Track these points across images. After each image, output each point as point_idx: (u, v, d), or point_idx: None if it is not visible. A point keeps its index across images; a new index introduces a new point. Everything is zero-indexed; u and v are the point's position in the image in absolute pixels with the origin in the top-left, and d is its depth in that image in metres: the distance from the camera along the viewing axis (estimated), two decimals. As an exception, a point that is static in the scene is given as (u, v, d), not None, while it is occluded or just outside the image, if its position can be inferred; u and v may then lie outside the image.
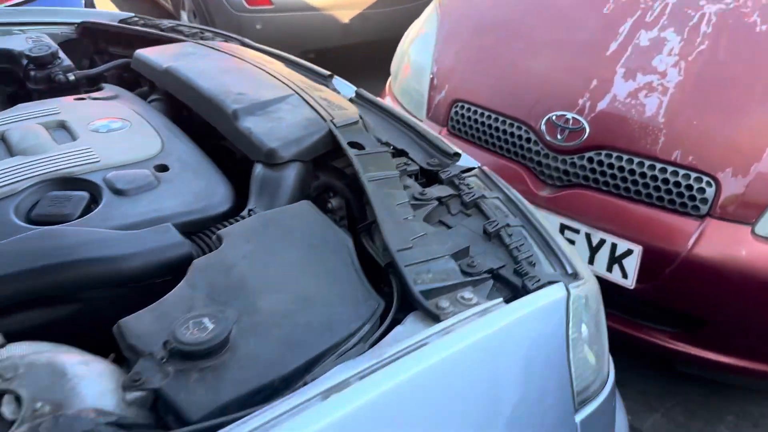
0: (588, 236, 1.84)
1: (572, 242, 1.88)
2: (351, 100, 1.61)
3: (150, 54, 1.65)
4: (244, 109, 1.33)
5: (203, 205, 1.14)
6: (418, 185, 1.23)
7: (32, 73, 1.70)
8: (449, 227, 1.13)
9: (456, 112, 2.17)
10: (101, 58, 2.04)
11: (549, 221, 1.91)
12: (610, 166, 1.80)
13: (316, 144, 1.26)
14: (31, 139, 1.26)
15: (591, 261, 1.85)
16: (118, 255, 0.98)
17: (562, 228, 1.89)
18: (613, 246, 1.79)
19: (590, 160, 1.84)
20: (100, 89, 1.64)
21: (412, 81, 2.42)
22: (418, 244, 1.00)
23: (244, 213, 1.12)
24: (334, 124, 1.29)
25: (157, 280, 1.01)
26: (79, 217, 1.08)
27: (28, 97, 1.75)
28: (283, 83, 1.47)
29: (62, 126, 1.36)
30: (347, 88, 1.75)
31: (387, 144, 1.39)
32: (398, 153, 1.37)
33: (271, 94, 1.41)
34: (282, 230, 1.02)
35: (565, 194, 1.88)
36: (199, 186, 1.18)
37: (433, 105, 2.27)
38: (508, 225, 1.09)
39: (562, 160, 1.89)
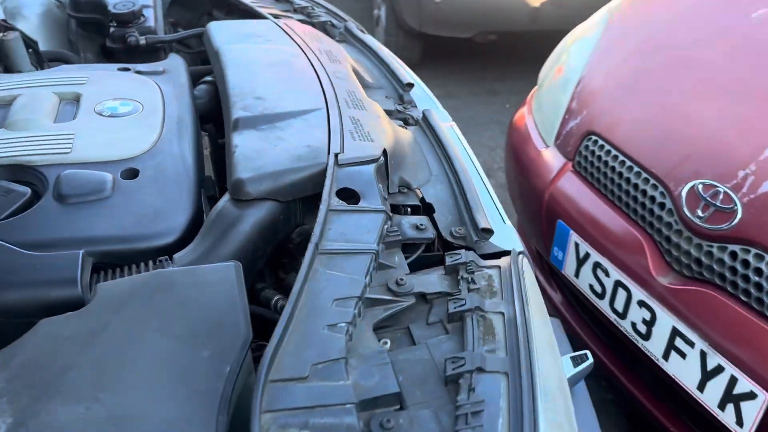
0: (703, 355, 1.36)
1: (682, 355, 1.42)
2: (417, 121, 1.32)
3: (217, 29, 1.48)
4: (249, 119, 1.10)
5: (137, 233, 0.94)
6: (406, 267, 0.92)
7: (111, 29, 1.62)
8: (414, 342, 0.82)
9: (587, 147, 1.75)
10: (209, 19, 1.92)
11: (660, 318, 1.47)
12: (758, 271, 1.30)
13: (303, 182, 1.00)
14: (28, 112, 1.16)
15: (701, 388, 1.38)
16: (-11, 288, 0.83)
17: (674, 333, 1.42)
18: (733, 380, 1.30)
19: (733, 255, 1.34)
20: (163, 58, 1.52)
21: (558, 90, 2.01)
22: (320, 374, 0.71)
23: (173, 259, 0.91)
24: (337, 160, 1.01)
25: (35, 319, 0.84)
26: (6, 217, 0.95)
27: (112, 52, 1.69)
28: (323, 91, 1.21)
29: (76, 100, 1.24)
30: (428, 103, 1.45)
31: (417, 192, 1.09)
32: (426, 209, 1.06)
33: (294, 104, 1.16)
34: (173, 302, 0.79)
35: (691, 290, 1.41)
36: (152, 206, 0.99)
37: (565, 131, 1.86)
38: (480, 369, 0.75)
39: (697, 245, 1.41)
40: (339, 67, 1.34)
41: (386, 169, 1.07)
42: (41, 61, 1.60)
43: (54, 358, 0.71)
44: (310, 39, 1.46)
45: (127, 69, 1.37)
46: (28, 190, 0.99)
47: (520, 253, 0.99)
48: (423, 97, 1.47)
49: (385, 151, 1.07)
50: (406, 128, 1.29)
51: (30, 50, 1.57)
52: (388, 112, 1.34)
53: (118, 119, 1.17)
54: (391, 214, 0.97)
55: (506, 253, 0.98)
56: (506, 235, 1.05)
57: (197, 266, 0.85)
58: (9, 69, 1.51)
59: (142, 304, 0.78)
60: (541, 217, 1.84)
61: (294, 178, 0.99)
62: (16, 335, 0.79)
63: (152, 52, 1.64)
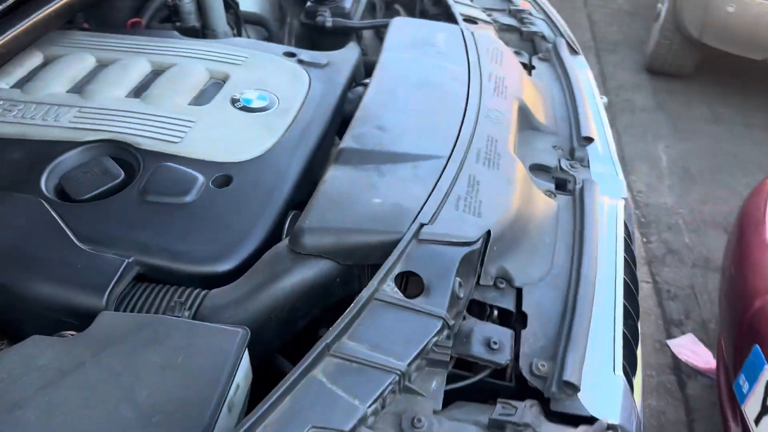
0: None
1: None
2: (574, 190, 1.06)
3: (396, 26, 1.34)
4: (354, 153, 0.96)
5: (192, 253, 0.88)
6: (439, 399, 0.73)
7: (308, 3, 1.57)
8: None
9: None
10: (421, 4, 1.79)
11: None
12: None
13: (370, 248, 0.84)
14: (169, 87, 1.15)
15: None
16: (26, 275, 0.83)
17: None
18: None
19: None
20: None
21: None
22: None
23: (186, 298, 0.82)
24: (419, 233, 0.83)
25: (63, 318, 0.83)
26: (88, 199, 0.95)
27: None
28: (458, 134, 1.01)
29: (223, 81, 1.21)
30: (606, 165, 1.17)
31: (519, 292, 0.87)
32: (518, 317, 0.85)
33: (415, 144, 0.99)
34: (156, 361, 0.70)
35: None
36: (225, 224, 0.92)
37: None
38: None
39: None
40: (500, 102, 1.12)
41: (482, 256, 0.86)
42: (239, 22, 1.61)
43: (15, 387, 0.68)
44: (488, 58, 1.25)
45: (293, 55, 1.31)
46: (121, 174, 0.98)
47: (609, 428, 0.74)
48: (604, 156, 1.18)
49: (488, 234, 0.86)
50: (554, 196, 1.05)
51: (230, 11, 1.60)
52: (544, 168, 1.10)
53: (246, 114, 1.12)
54: (452, 321, 0.77)
55: (589, 420, 0.74)
56: (606, 392, 0.79)
57: (203, 324, 0.75)
58: (206, 26, 1.55)
59: (127, 352, 0.71)
60: (740, 327, 1.44)
61: (360, 241, 0.84)
62: (39, 327, 0.79)
63: (341, 35, 1.56)
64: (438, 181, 0.92)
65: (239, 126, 1.09)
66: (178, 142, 1.04)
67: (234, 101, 1.14)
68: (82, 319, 0.80)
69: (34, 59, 1.25)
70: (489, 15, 1.54)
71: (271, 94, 1.17)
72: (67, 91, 1.15)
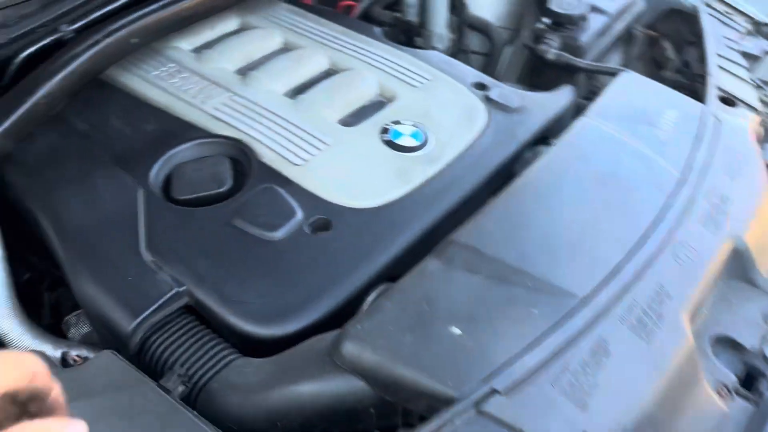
0: None
1: None
2: (761, 392, 0.74)
3: (619, 84, 1.06)
4: (462, 251, 0.75)
5: (237, 301, 0.76)
6: None
7: (538, 23, 1.32)
8: None
9: None
10: (686, 49, 1.43)
11: None
12: None
13: (413, 392, 0.64)
14: (326, 97, 1.03)
15: None
16: (79, 265, 0.80)
17: None
18: None
19: None
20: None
21: None
22: None
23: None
24: (480, 402, 0.61)
25: (98, 329, 0.79)
26: (185, 202, 0.88)
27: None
28: (613, 271, 0.74)
29: (388, 101, 1.06)
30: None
31: None
32: None
33: (546, 266, 0.74)
34: None
35: None
36: (292, 278, 0.79)
37: None
38: None
39: None
40: (704, 237, 0.81)
41: None
42: (461, 26, 1.43)
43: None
44: (721, 164, 0.91)
45: (483, 87, 1.10)
46: (225, 185, 0.90)
47: None
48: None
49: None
50: (729, 397, 0.73)
51: (456, 12, 1.42)
52: (736, 345, 0.78)
53: (388, 150, 0.96)
54: None
55: None
56: None
57: (182, 414, 0.63)
58: (423, 24, 1.40)
59: (91, 415, 0.62)
60: None
61: (404, 378, 0.64)
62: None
63: (565, 71, 1.29)
64: (550, 331, 0.68)
65: (373, 163, 0.94)
66: (299, 165, 0.92)
67: (384, 131, 0.99)
68: (113, 339, 0.75)
69: (229, 25, 1.22)
70: (766, 94, 1.16)
71: (429, 133, 0.99)
72: (235, 71, 1.09)
